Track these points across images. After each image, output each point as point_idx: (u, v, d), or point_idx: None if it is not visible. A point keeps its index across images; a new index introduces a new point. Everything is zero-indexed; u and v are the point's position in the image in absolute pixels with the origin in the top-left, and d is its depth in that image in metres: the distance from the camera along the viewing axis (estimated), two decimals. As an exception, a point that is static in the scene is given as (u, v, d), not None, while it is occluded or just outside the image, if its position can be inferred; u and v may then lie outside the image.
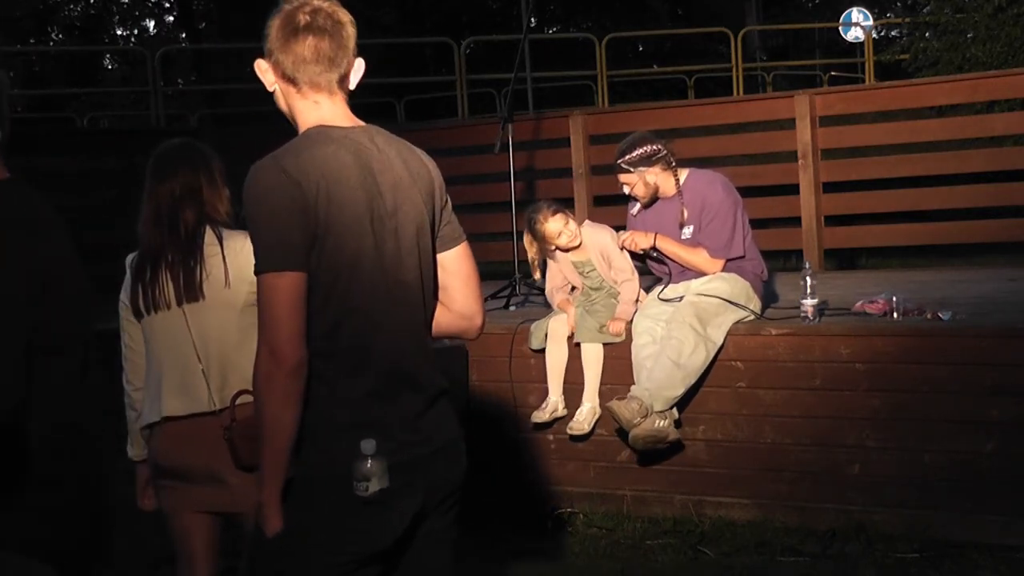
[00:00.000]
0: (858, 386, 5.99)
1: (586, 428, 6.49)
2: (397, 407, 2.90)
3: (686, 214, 6.36)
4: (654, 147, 6.38)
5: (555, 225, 6.47)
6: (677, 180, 6.41)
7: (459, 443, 3.07)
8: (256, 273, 2.82)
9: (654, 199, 6.46)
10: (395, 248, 2.93)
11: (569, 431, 6.51)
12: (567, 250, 6.55)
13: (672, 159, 6.41)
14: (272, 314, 2.79)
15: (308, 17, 2.92)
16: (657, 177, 6.39)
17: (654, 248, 6.42)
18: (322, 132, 2.93)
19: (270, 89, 3.00)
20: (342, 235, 2.85)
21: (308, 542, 2.86)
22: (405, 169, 2.99)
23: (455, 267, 3.11)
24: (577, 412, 6.49)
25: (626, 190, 6.50)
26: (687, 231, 6.38)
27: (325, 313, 2.84)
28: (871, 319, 6.20)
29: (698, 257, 6.34)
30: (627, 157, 6.38)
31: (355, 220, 2.87)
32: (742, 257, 6.33)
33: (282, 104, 3.02)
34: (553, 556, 5.90)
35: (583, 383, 6.48)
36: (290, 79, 2.95)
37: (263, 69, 2.97)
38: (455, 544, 3.09)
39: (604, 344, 6.46)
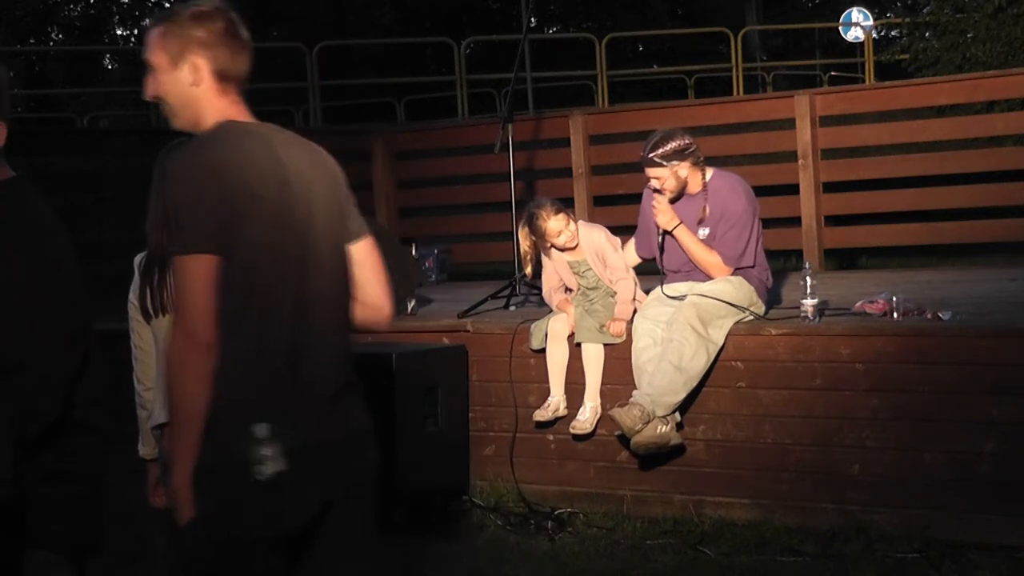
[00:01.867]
0: (858, 386, 5.98)
1: (588, 428, 6.48)
2: (301, 395, 2.96)
3: (708, 211, 6.31)
4: (686, 141, 6.29)
5: (556, 224, 6.47)
6: (704, 177, 6.36)
7: (368, 435, 3.14)
8: (172, 255, 2.89)
9: (680, 195, 6.41)
10: (306, 240, 3.02)
11: (572, 431, 6.51)
12: (563, 250, 6.55)
13: (700, 155, 6.36)
14: (189, 296, 2.86)
15: (235, 19, 3.06)
16: (688, 172, 6.32)
17: (670, 233, 6.36)
18: (239, 125, 3.03)
19: (192, 87, 3.03)
20: (256, 226, 2.92)
21: (217, 527, 2.91)
22: (311, 164, 3.09)
23: (362, 259, 3.18)
24: (579, 412, 6.49)
25: (655, 184, 6.36)
26: (703, 231, 6.34)
27: (234, 300, 2.91)
28: (871, 319, 6.19)
29: (712, 259, 6.28)
30: (660, 151, 6.27)
31: (269, 213, 2.95)
32: (751, 268, 6.31)
33: (190, 109, 3.06)
34: (553, 556, 5.90)
35: (584, 383, 6.48)
36: (226, 77, 3.04)
37: (197, 66, 3.02)
38: (377, 541, 3.17)
39: (605, 344, 6.46)
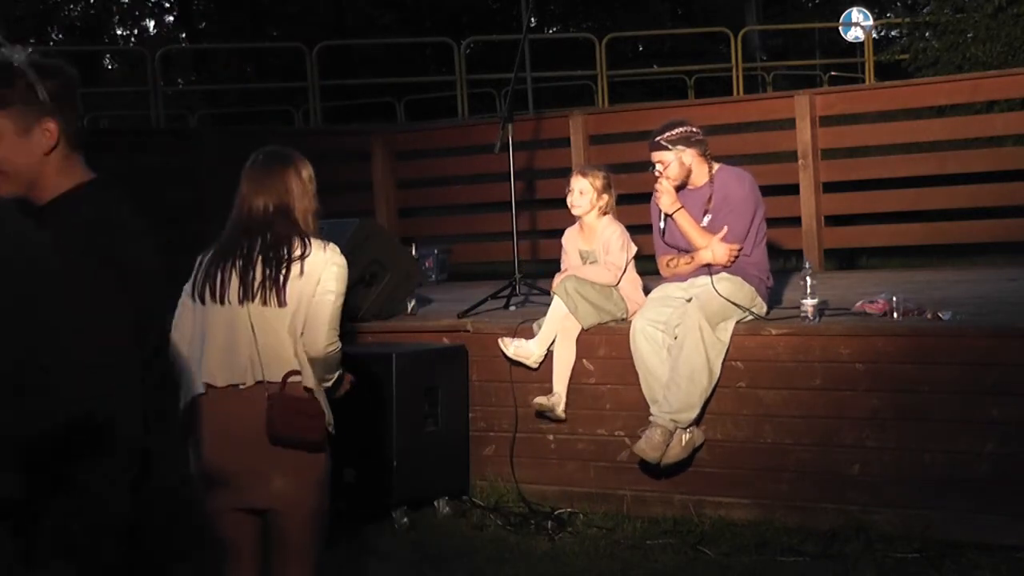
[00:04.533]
0: (858, 386, 5.98)
1: (556, 409, 6.56)
2: None
3: (713, 201, 6.29)
4: (693, 129, 6.36)
5: (581, 182, 6.59)
6: (710, 170, 6.37)
7: None
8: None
9: (683, 185, 6.38)
10: None
11: (536, 405, 6.58)
12: (574, 215, 6.66)
13: (707, 147, 6.39)
14: None
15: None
16: (692, 160, 6.33)
17: (670, 216, 6.31)
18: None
19: (44, 153, 2.71)
20: None
21: None
22: None
23: None
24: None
25: (659, 169, 6.35)
26: (705, 219, 6.32)
27: None
28: (871, 319, 6.19)
29: (706, 240, 6.25)
30: (667, 134, 6.31)
31: None
32: (747, 256, 6.30)
33: (35, 170, 2.71)
34: (553, 556, 5.90)
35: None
36: (71, 136, 2.78)
37: (52, 131, 2.71)
38: None
39: (604, 324, 6.51)
